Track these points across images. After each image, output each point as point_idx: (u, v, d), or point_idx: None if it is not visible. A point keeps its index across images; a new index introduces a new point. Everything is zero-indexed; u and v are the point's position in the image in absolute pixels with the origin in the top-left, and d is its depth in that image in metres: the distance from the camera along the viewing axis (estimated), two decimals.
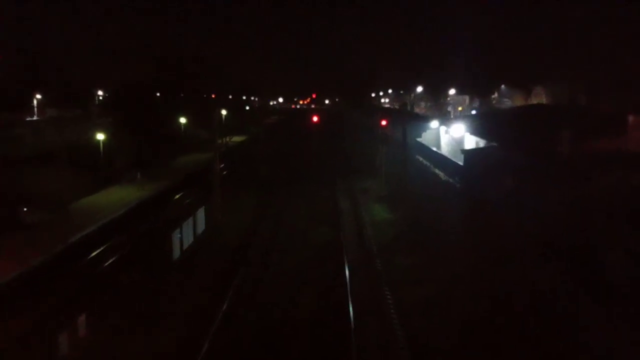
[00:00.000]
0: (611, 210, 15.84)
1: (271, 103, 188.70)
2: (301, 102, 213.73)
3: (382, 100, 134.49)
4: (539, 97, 65.08)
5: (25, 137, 46.98)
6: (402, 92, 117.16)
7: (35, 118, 65.00)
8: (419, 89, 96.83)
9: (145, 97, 55.50)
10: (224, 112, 64.06)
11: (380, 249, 23.74)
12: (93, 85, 73.45)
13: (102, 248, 23.47)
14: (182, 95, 66.03)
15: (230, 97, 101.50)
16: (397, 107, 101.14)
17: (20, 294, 17.81)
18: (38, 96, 69.11)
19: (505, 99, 77.88)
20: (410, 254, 22.78)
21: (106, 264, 21.83)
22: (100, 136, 39.26)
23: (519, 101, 70.62)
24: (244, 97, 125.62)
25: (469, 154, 32.79)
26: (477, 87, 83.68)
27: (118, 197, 32.84)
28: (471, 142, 38.60)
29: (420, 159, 46.27)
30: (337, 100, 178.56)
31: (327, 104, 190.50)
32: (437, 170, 40.32)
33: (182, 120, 60.39)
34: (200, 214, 26.39)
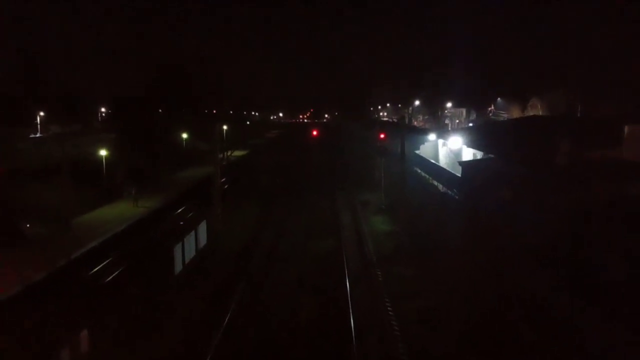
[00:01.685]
0: (607, 217, 16.12)
1: (272, 117, 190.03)
2: (301, 117, 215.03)
3: (381, 113, 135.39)
4: (535, 109, 65.64)
5: (28, 152, 47.30)
6: (400, 105, 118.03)
7: (39, 135, 65.41)
8: (417, 102, 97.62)
9: (146, 109, 55.84)
10: (225, 127, 64.57)
11: (381, 260, 23.97)
12: (92, 90, 72.42)
13: (104, 263, 23.76)
14: (184, 107, 66.20)
15: (231, 112, 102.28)
16: (395, 120, 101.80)
17: (23, 307, 18.01)
18: (42, 113, 69.54)
19: (502, 111, 78.49)
20: (410, 265, 23.01)
21: (108, 279, 22.11)
22: (103, 152, 39.67)
23: (515, 113, 71.15)
24: (245, 112, 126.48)
25: (466, 166, 33.17)
26: (473, 100, 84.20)
27: (120, 211, 33.12)
28: (469, 154, 39.03)
29: (419, 171, 46.66)
30: (336, 114, 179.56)
31: (327, 118, 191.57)
32: (435, 182, 40.67)
33: (184, 135, 60.88)
34: (202, 227, 26.63)
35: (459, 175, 34.02)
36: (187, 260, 23.54)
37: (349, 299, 18.80)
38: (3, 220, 26.50)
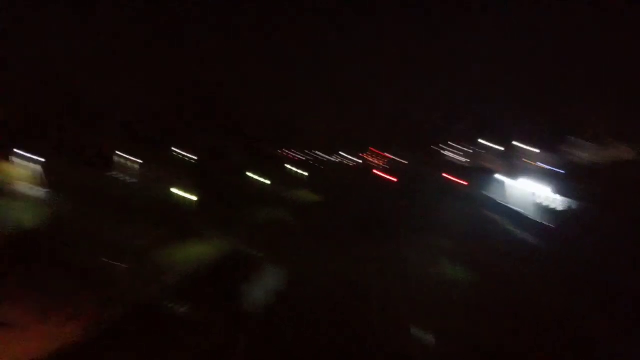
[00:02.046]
0: None
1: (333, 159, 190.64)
2: (365, 157, 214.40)
3: (450, 153, 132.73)
4: (619, 151, 62.08)
5: None
6: (464, 142, 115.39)
7: None
8: (486, 142, 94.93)
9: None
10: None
11: (459, 313, 22.54)
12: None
13: (179, 298, 23.85)
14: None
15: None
16: (465, 159, 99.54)
17: (99, 345, 18.13)
18: None
19: (576, 150, 74.79)
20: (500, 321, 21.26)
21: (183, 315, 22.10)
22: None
23: (591, 153, 67.58)
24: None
25: (554, 212, 31.75)
26: (543, 138, 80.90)
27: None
28: (544, 196, 37.41)
29: (491, 214, 44.84)
30: (401, 153, 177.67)
31: (391, 157, 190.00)
32: (510, 227, 38.82)
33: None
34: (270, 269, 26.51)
35: (535, 218, 32.50)
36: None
37: None
38: (73, 254, 27.15)
